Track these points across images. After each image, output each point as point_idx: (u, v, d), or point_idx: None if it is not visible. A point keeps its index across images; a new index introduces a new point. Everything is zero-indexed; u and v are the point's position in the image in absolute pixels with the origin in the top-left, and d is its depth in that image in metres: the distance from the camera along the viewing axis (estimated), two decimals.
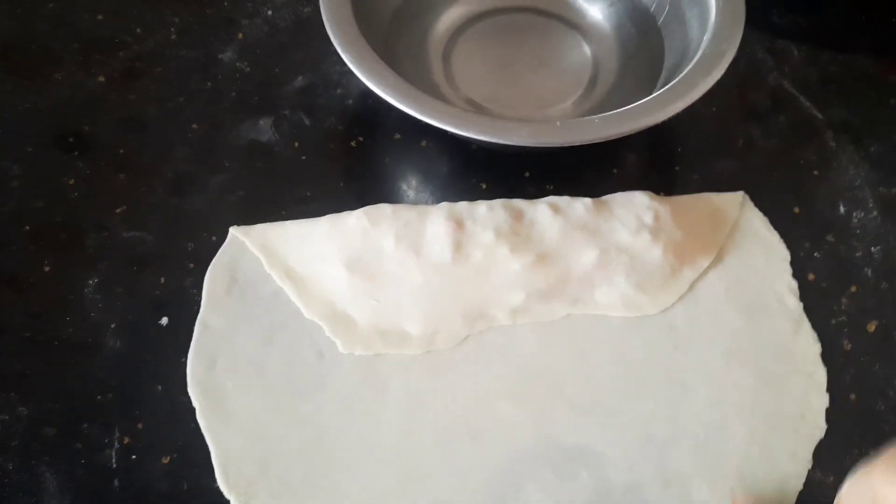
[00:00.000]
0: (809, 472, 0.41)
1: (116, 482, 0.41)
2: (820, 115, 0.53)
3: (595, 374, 0.44)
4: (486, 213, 0.46)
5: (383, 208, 0.46)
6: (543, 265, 0.45)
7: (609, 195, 0.48)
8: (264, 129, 0.53)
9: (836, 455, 0.42)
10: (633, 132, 0.44)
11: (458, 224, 0.45)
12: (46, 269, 0.47)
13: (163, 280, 0.47)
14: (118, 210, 0.49)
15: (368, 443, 0.42)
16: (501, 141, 0.43)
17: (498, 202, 0.46)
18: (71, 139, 0.52)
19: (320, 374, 0.44)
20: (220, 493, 0.40)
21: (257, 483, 0.41)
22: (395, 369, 0.44)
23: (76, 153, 0.52)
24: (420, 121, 0.44)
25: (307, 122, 0.53)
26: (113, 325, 0.45)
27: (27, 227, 0.48)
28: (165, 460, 0.41)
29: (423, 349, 0.44)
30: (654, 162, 0.52)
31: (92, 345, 0.45)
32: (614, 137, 0.43)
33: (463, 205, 0.46)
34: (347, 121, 0.54)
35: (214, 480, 0.41)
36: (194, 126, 0.53)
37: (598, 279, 0.46)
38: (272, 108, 0.54)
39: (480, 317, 0.45)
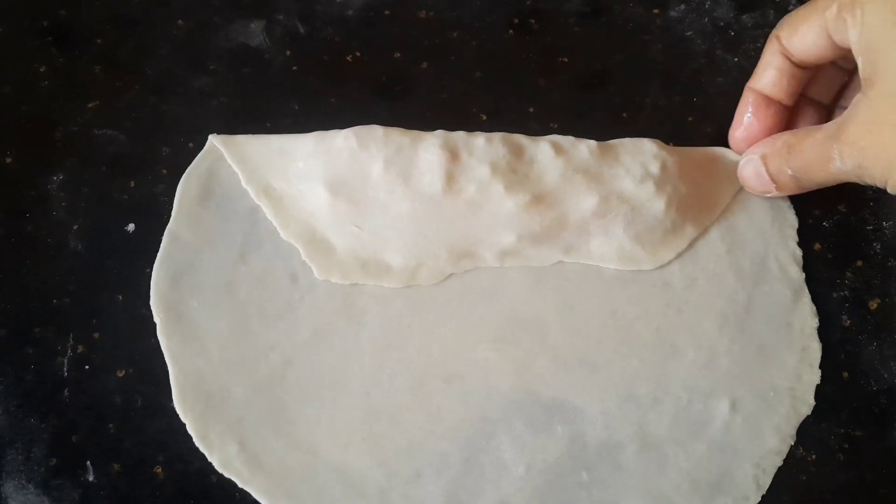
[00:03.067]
0: (791, 448, 0.40)
1: (66, 392, 0.39)
2: None
3: (581, 327, 0.42)
4: (484, 146, 0.43)
5: (374, 130, 0.43)
6: (539, 207, 0.42)
7: (616, 140, 0.45)
8: (255, 32, 0.49)
9: (821, 433, 0.40)
10: None
11: (453, 154, 0.42)
12: (8, 160, 0.44)
13: (133, 184, 0.44)
14: (91, 105, 0.46)
15: (337, 376, 0.40)
16: None
17: (497, 135, 0.43)
18: (45, 23, 0.48)
19: (292, 300, 0.41)
20: (176, 415, 0.38)
21: (216, 409, 0.39)
22: (372, 301, 0.42)
23: (50, 39, 0.48)
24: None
25: (302, 29, 0.50)
26: (76, 227, 0.43)
27: None
28: (120, 374, 0.39)
29: (403, 283, 0.42)
30: (667, 109, 0.49)
31: (52, 245, 0.42)
32: None
33: (460, 134, 0.43)
34: (346, 33, 0.50)
35: (171, 400, 0.39)
36: (180, 22, 0.49)
37: (596, 228, 0.43)
38: (266, 11, 0.50)
39: (467, 255, 0.43)
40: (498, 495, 0.38)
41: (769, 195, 0.44)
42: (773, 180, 0.42)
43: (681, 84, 0.50)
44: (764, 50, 0.42)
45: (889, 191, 0.35)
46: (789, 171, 0.40)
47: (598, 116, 0.48)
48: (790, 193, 0.43)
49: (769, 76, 0.42)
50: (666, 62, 0.50)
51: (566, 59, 0.50)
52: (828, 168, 0.37)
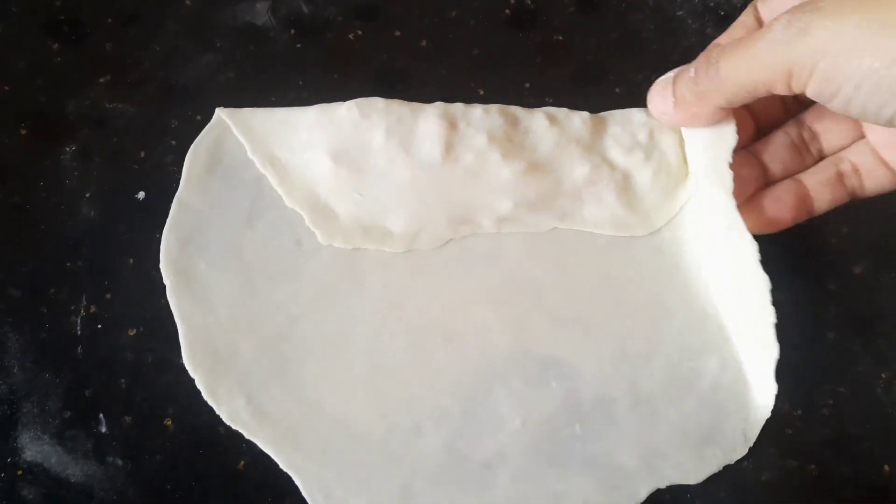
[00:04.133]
0: (778, 403, 0.41)
1: (80, 349, 0.40)
2: None
3: (576, 289, 0.43)
4: (482, 116, 0.44)
5: (375, 101, 0.45)
6: (534, 175, 0.44)
7: (607, 111, 0.46)
8: (261, 12, 0.51)
9: (806, 388, 0.42)
10: None
11: (452, 124, 0.44)
12: (23, 132, 0.46)
13: (143, 154, 0.46)
14: (102, 79, 0.48)
15: (340, 335, 0.41)
16: None
17: (494, 107, 0.45)
18: (58, 2, 0.50)
19: (297, 263, 0.43)
20: (185, 370, 0.40)
21: (223, 365, 0.40)
22: (373, 265, 0.43)
23: (62, 17, 0.50)
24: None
25: (305, 9, 0.51)
26: (88, 195, 0.44)
27: (6, 88, 0.47)
28: (132, 332, 0.41)
29: (404, 248, 0.44)
30: None
31: (65, 212, 0.44)
32: None
33: (458, 106, 0.45)
34: (347, 12, 0.52)
35: (180, 357, 0.40)
36: (188, 2, 0.51)
37: (589, 195, 0.45)
38: None
39: (466, 221, 0.44)
40: (495, 446, 0.39)
41: (664, 119, 0.43)
42: (674, 94, 0.41)
43: (672, 62, 0.50)
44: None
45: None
46: (691, 72, 0.39)
47: (592, 92, 0.50)
48: (690, 113, 0.41)
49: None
50: (658, 41, 0.52)
51: (561, 38, 0.52)
52: (762, 40, 0.35)
